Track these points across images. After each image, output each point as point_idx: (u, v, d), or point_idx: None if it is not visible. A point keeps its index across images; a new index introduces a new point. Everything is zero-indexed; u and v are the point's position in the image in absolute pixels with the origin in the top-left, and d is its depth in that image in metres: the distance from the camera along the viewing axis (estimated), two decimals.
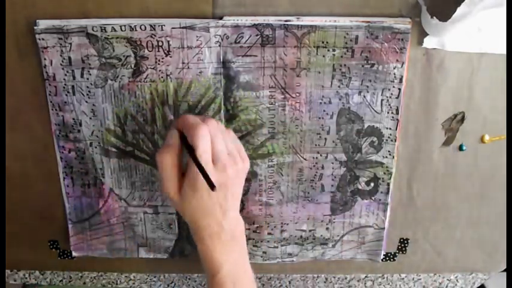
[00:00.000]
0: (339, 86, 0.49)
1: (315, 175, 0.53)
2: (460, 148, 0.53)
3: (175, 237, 0.57)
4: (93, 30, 0.46)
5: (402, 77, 0.49)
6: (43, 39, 0.47)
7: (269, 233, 0.56)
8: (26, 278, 0.62)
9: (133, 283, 0.62)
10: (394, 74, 0.49)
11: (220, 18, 0.47)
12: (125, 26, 0.46)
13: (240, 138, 0.51)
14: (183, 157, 0.43)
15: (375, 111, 0.50)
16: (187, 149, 0.41)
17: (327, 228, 0.56)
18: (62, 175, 0.54)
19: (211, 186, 0.40)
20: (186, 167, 0.43)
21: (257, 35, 0.47)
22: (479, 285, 0.63)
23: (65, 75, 0.49)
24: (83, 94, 0.49)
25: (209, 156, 0.41)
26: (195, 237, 0.45)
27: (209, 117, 0.44)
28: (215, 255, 0.44)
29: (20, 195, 0.55)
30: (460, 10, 0.42)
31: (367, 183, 0.54)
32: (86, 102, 0.50)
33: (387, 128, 0.51)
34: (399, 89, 0.49)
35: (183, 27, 0.46)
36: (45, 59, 0.48)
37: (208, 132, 0.41)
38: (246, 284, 0.46)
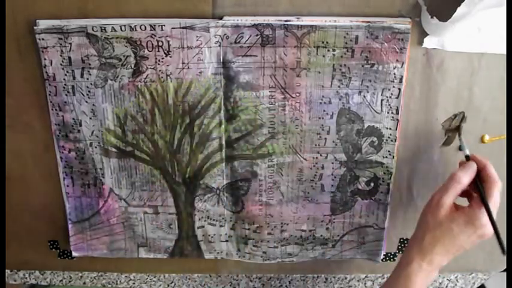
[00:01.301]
0: (339, 86, 0.49)
1: (315, 175, 0.53)
2: (460, 148, 0.53)
3: (175, 237, 0.57)
4: (93, 30, 0.46)
5: (402, 77, 0.49)
6: (43, 39, 0.47)
7: (269, 233, 0.56)
8: (26, 278, 0.62)
9: (133, 283, 0.62)
10: (394, 74, 0.49)
11: (220, 18, 0.47)
12: (124, 26, 0.46)
13: (240, 138, 0.51)
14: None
15: (375, 111, 0.50)
16: (481, 192, 0.45)
17: (327, 228, 0.56)
18: (62, 175, 0.54)
19: (502, 249, 0.45)
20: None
21: (257, 35, 0.47)
22: (479, 285, 0.63)
23: (65, 75, 0.49)
24: (83, 94, 0.49)
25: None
26: (424, 250, 0.46)
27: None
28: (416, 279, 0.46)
29: (20, 195, 0.55)
30: (460, 10, 0.42)
31: (367, 183, 0.54)
32: (86, 102, 0.50)
33: (387, 128, 0.51)
34: (399, 89, 0.49)
35: (183, 27, 0.46)
36: (45, 59, 0.48)
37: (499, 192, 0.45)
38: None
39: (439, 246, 0.46)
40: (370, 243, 0.57)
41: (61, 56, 0.48)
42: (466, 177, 0.46)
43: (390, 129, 0.51)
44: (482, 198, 0.45)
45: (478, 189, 0.46)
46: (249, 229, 0.56)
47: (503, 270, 0.61)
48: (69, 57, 0.48)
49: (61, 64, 0.48)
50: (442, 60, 0.49)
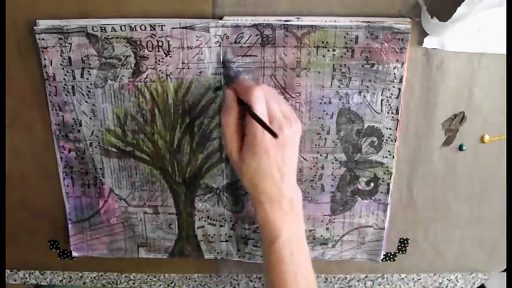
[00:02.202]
0: (339, 86, 0.49)
1: (315, 175, 0.53)
2: (460, 148, 0.53)
3: (175, 237, 0.57)
4: (93, 30, 0.46)
5: (402, 77, 0.49)
6: (43, 39, 0.47)
7: None
8: (26, 278, 0.62)
9: (133, 283, 0.62)
10: (394, 74, 0.49)
11: (220, 18, 0.47)
12: (124, 26, 0.46)
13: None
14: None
15: (375, 111, 0.50)
16: (245, 108, 0.41)
17: (327, 228, 0.56)
18: (62, 175, 0.54)
19: (273, 134, 0.40)
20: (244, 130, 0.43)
21: (257, 35, 0.47)
22: (479, 285, 0.63)
23: (65, 75, 0.49)
24: (83, 94, 0.49)
25: (266, 117, 0.41)
26: (253, 201, 0.45)
27: (262, 83, 0.44)
28: (275, 220, 0.44)
29: (20, 195, 0.55)
30: (460, 10, 0.42)
31: (367, 183, 0.54)
32: (86, 102, 0.50)
33: (387, 128, 0.51)
34: (399, 89, 0.49)
35: (183, 27, 0.46)
36: (45, 59, 0.48)
37: (263, 94, 0.41)
38: (302, 257, 0.45)
39: (261, 183, 0.43)
40: (370, 243, 0.57)
41: (61, 56, 0.48)
42: (229, 118, 0.42)
43: (390, 129, 0.51)
44: (250, 113, 0.41)
45: (246, 109, 0.42)
46: (249, 229, 0.56)
47: (503, 270, 0.62)
48: (69, 57, 0.48)
49: (61, 64, 0.48)
50: (442, 60, 0.49)
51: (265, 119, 0.41)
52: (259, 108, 0.41)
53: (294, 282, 0.44)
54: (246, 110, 0.42)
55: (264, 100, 0.42)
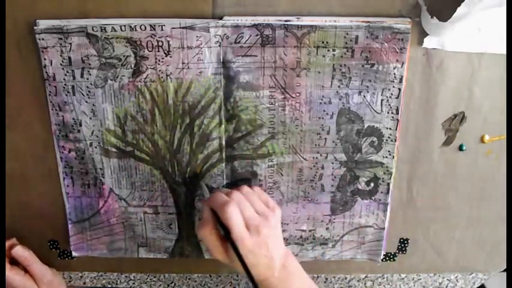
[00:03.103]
0: (339, 86, 0.49)
1: (315, 175, 0.53)
2: (460, 148, 0.53)
3: (175, 237, 0.57)
4: (93, 30, 0.46)
5: (402, 77, 0.49)
6: (43, 39, 0.47)
7: None
8: None
9: (133, 283, 0.62)
10: (394, 74, 0.49)
11: (220, 18, 0.47)
12: (124, 26, 0.46)
13: (240, 138, 0.51)
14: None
15: (375, 111, 0.50)
16: (223, 228, 0.45)
17: (327, 228, 0.56)
18: (62, 175, 0.54)
19: (254, 284, 0.44)
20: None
21: (257, 35, 0.47)
22: (479, 285, 0.63)
23: (65, 75, 0.49)
24: (83, 94, 0.49)
25: (243, 228, 0.44)
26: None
27: (234, 191, 0.46)
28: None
29: (20, 195, 0.55)
30: (460, 10, 0.42)
31: (367, 183, 0.54)
32: (86, 102, 0.50)
33: (387, 128, 0.51)
34: (399, 89, 0.49)
35: (183, 27, 0.46)
36: (45, 59, 0.48)
37: (237, 207, 0.44)
38: None
39: (253, 271, 0.45)
40: (370, 243, 0.57)
41: (61, 56, 0.48)
42: (206, 230, 0.45)
43: (390, 129, 0.51)
44: (227, 237, 0.44)
45: (224, 231, 0.45)
46: None
47: (503, 270, 0.62)
48: (69, 57, 0.48)
49: (61, 64, 0.48)
50: (442, 60, 0.49)
51: (243, 231, 0.44)
52: (237, 227, 0.43)
53: None
54: (224, 233, 0.45)
55: (239, 213, 0.44)
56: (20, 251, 0.53)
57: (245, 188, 0.48)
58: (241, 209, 0.45)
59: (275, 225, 0.46)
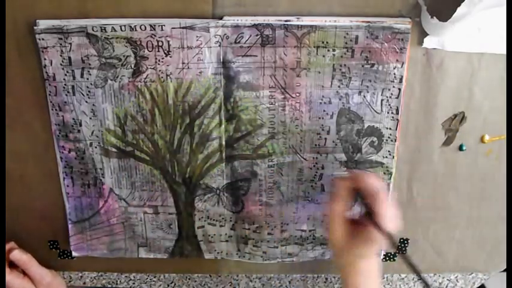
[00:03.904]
0: (339, 86, 0.49)
1: (315, 175, 0.53)
2: (460, 148, 0.53)
3: (175, 237, 0.57)
4: (93, 30, 0.46)
5: (402, 77, 0.49)
6: (43, 39, 0.47)
7: (269, 233, 0.56)
8: None
9: (133, 283, 0.62)
10: (394, 74, 0.49)
11: (220, 18, 0.47)
12: (124, 26, 0.46)
13: (240, 138, 0.51)
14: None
15: (375, 111, 0.50)
16: (367, 208, 0.45)
17: (327, 228, 0.56)
18: (62, 175, 0.54)
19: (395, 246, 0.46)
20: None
21: (257, 35, 0.47)
22: (479, 285, 0.63)
23: (65, 75, 0.49)
24: (83, 94, 0.49)
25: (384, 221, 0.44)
26: (345, 275, 0.48)
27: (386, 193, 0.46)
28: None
29: (20, 195, 0.55)
30: (460, 10, 0.42)
31: None
32: (86, 102, 0.50)
33: (387, 128, 0.51)
34: (399, 89, 0.49)
35: (183, 27, 0.46)
36: (45, 59, 0.48)
37: (386, 199, 0.44)
38: None
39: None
40: None
41: (61, 56, 0.48)
42: (338, 207, 0.46)
43: (390, 129, 0.51)
44: (368, 214, 0.45)
45: (364, 206, 0.46)
46: (249, 229, 0.56)
47: (503, 270, 0.62)
48: (69, 57, 0.48)
49: (61, 64, 0.48)
50: (442, 60, 0.49)
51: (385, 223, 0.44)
52: (385, 214, 0.44)
53: None
54: (367, 213, 0.45)
55: (386, 204, 0.44)
56: (18, 255, 0.53)
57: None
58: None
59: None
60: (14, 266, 0.54)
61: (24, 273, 0.54)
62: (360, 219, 0.48)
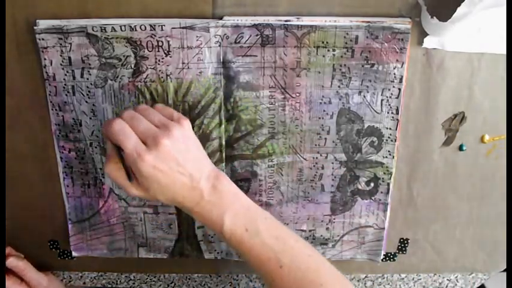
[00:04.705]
0: (339, 86, 0.49)
1: (315, 175, 0.53)
2: (460, 148, 0.53)
3: (175, 237, 0.57)
4: (93, 30, 0.46)
5: (402, 77, 0.49)
6: (43, 39, 0.47)
7: None
8: None
9: (133, 283, 0.62)
10: (394, 74, 0.49)
11: (220, 18, 0.47)
12: (124, 26, 0.46)
13: (240, 138, 0.51)
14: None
15: (375, 111, 0.50)
16: (119, 150, 0.41)
17: (327, 228, 0.56)
18: (62, 175, 0.54)
19: (129, 177, 0.40)
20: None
21: (257, 35, 0.47)
22: (479, 285, 0.63)
23: (65, 75, 0.49)
24: (83, 94, 0.49)
25: (137, 142, 0.40)
26: (184, 210, 0.44)
27: (125, 110, 0.42)
28: (212, 214, 0.43)
29: (20, 195, 0.55)
30: (460, 10, 0.42)
31: (367, 183, 0.54)
32: (86, 102, 0.50)
33: (387, 128, 0.51)
34: (399, 89, 0.49)
35: (183, 27, 0.46)
36: (45, 59, 0.48)
37: (123, 123, 0.40)
38: (259, 224, 0.43)
39: (177, 196, 0.42)
40: (370, 243, 0.57)
41: (61, 56, 0.48)
42: (111, 165, 0.42)
43: (390, 129, 0.51)
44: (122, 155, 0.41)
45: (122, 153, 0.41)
46: None
47: (503, 270, 0.62)
48: (69, 57, 0.48)
49: (61, 64, 0.48)
50: (442, 60, 0.49)
51: (138, 145, 0.40)
52: (126, 141, 0.40)
53: (265, 251, 0.42)
54: (120, 158, 0.41)
55: (127, 128, 0.40)
56: (14, 262, 0.53)
57: (140, 106, 0.44)
58: (134, 124, 0.40)
59: (182, 137, 0.41)
60: (11, 272, 0.54)
61: (22, 279, 0.54)
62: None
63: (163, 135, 0.40)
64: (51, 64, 0.48)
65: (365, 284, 0.62)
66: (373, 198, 0.55)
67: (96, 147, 0.52)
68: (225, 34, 0.47)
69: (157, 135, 0.40)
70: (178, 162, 0.40)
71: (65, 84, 0.49)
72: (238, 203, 0.44)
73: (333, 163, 0.53)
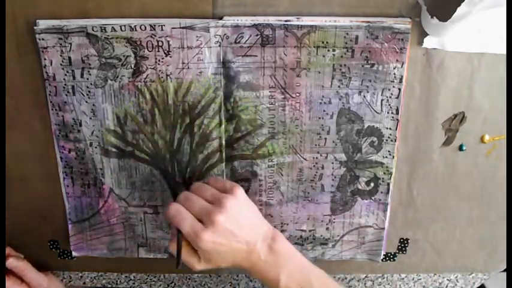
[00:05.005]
0: (339, 86, 0.49)
1: (315, 175, 0.53)
2: (460, 148, 0.53)
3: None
4: (93, 30, 0.46)
5: (402, 77, 0.49)
6: (43, 39, 0.47)
7: None
8: None
9: (133, 283, 0.62)
10: (394, 74, 0.49)
11: (220, 18, 0.47)
12: (124, 26, 0.46)
13: (240, 138, 0.51)
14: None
15: (375, 111, 0.50)
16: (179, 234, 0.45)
17: (327, 228, 0.56)
18: (62, 175, 0.54)
19: (177, 264, 0.44)
20: None
21: (257, 35, 0.47)
22: (479, 285, 0.63)
23: (65, 75, 0.49)
24: (83, 94, 0.49)
25: (193, 222, 0.43)
26: (244, 269, 0.46)
27: (182, 193, 0.46)
28: (268, 274, 0.45)
29: (20, 195, 0.55)
30: (460, 10, 0.42)
31: (367, 183, 0.54)
32: (86, 102, 0.50)
33: (387, 128, 0.51)
34: (399, 89, 0.49)
35: (183, 27, 0.46)
36: (45, 59, 0.48)
37: (178, 206, 0.44)
38: (314, 282, 0.46)
39: (236, 262, 0.46)
40: (370, 243, 0.57)
41: (61, 56, 0.48)
42: (173, 247, 0.45)
43: (390, 129, 0.51)
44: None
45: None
46: None
47: (503, 270, 0.62)
48: (69, 57, 0.48)
49: (61, 64, 0.48)
50: (442, 60, 0.49)
51: (196, 226, 0.43)
52: (184, 226, 0.43)
53: None
54: (178, 238, 0.45)
55: (184, 212, 0.44)
56: (14, 262, 0.53)
57: (194, 185, 0.47)
58: (189, 205, 0.44)
59: (235, 208, 0.44)
60: (11, 272, 0.54)
61: (22, 279, 0.54)
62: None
63: (217, 211, 0.43)
64: (51, 64, 0.48)
65: (365, 284, 0.62)
66: (373, 198, 0.55)
67: (96, 147, 0.52)
68: (225, 34, 0.47)
69: (211, 213, 0.43)
70: (234, 233, 0.43)
71: (65, 84, 0.49)
72: (294, 262, 0.46)
73: (333, 163, 0.53)
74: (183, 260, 0.45)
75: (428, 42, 0.47)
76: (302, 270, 0.46)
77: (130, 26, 0.46)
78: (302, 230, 0.56)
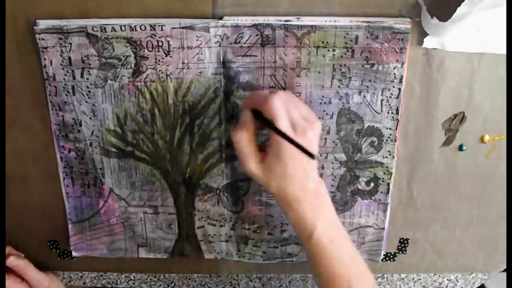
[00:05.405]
0: (339, 86, 0.49)
1: None
2: (460, 148, 0.53)
3: (175, 237, 0.57)
4: (93, 30, 0.46)
5: (402, 77, 0.49)
6: (43, 39, 0.47)
7: (269, 233, 0.56)
8: None
9: (133, 283, 0.62)
10: (394, 74, 0.49)
11: (220, 18, 0.47)
12: (124, 26, 0.46)
13: None
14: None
15: (375, 111, 0.50)
16: (266, 123, 0.42)
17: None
18: (62, 175, 0.54)
19: (310, 154, 0.41)
20: (264, 142, 0.44)
21: (257, 35, 0.47)
22: (479, 285, 0.63)
23: (65, 75, 0.49)
24: (83, 94, 0.49)
25: (289, 125, 0.42)
26: (281, 203, 0.45)
27: (277, 90, 0.44)
28: (307, 216, 0.44)
29: (20, 195, 0.55)
30: (460, 10, 0.42)
31: (367, 183, 0.54)
32: (86, 102, 0.50)
33: (387, 128, 0.51)
34: (399, 89, 0.49)
35: (183, 27, 0.46)
36: (45, 59, 0.48)
37: (282, 102, 0.42)
38: (342, 240, 0.46)
39: (287, 187, 0.43)
40: (370, 243, 0.57)
41: (61, 56, 0.48)
42: (243, 134, 0.43)
43: (390, 129, 0.51)
44: (273, 129, 0.41)
45: (267, 125, 0.42)
46: (249, 229, 0.56)
47: (503, 270, 0.62)
48: (69, 57, 0.48)
49: (61, 64, 0.48)
50: (442, 60, 0.49)
51: (289, 128, 0.42)
52: (283, 123, 0.41)
53: (340, 266, 0.45)
54: (270, 128, 0.42)
55: (284, 109, 0.42)
56: (15, 261, 0.53)
57: (290, 93, 0.45)
58: (288, 108, 0.42)
59: (318, 136, 0.44)
60: (11, 271, 0.54)
61: (22, 278, 0.54)
62: (267, 144, 0.44)
63: (310, 127, 0.42)
64: (51, 64, 0.48)
65: None
66: (373, 198, 0.55)
67: (96, 147, 0.52)
68: (225, 34, 0.47)
69: (306, 128, 0.42)
70: (307, 159, 0.42)
71: (65, 84, 0.49)
72: (331, 215, 0.46)
73: (333, 163, 0.53)
74: (243, 152, 0.43)
75: (428, 42, 0.47)
76: (335, 226, 0.46)
77: (130, 26, 0.46)
78: None
